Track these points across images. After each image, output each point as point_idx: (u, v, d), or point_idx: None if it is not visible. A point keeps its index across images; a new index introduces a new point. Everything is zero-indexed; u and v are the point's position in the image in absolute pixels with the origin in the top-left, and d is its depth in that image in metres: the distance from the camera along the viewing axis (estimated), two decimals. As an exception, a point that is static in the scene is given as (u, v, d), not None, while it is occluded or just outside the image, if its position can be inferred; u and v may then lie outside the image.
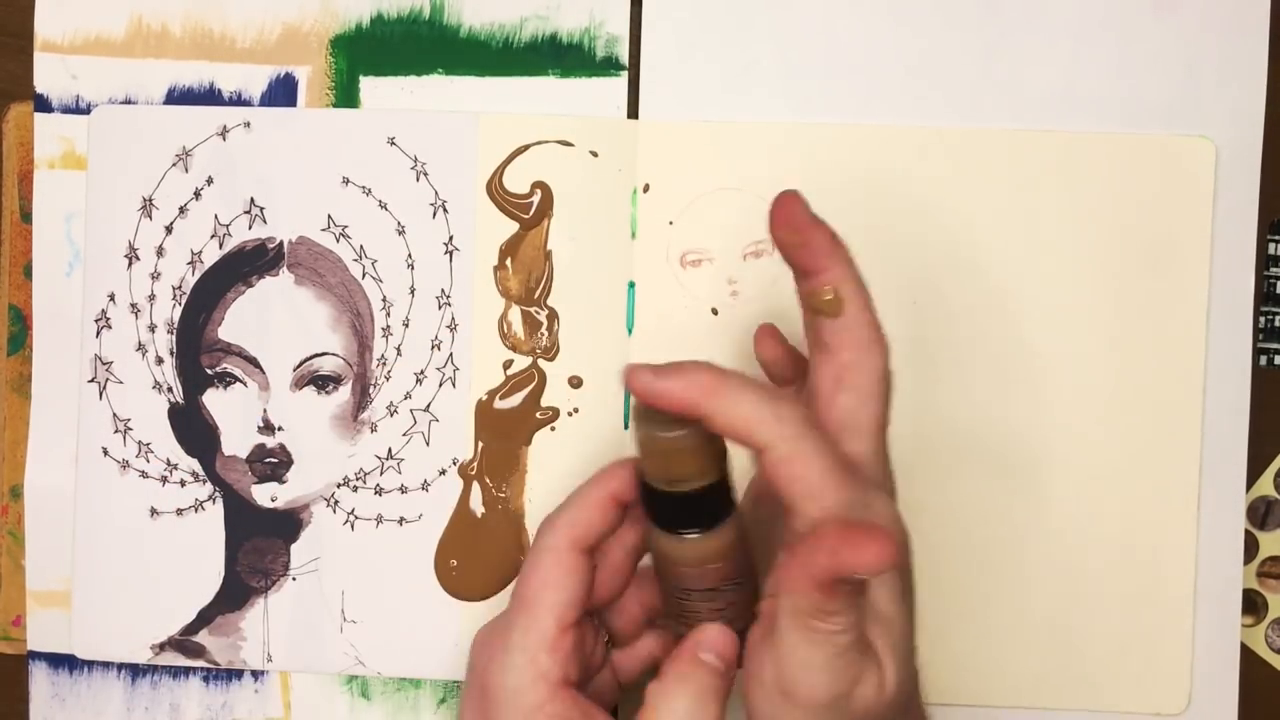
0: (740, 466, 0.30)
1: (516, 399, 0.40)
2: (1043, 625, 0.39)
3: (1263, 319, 0.40)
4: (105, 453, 0.41)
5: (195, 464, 0.40)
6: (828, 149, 0.39)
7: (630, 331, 0.40)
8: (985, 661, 0.39)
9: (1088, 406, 0.39)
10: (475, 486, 0.40)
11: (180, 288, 0.40)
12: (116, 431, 0.41)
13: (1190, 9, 0.39)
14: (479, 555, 0.40)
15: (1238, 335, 0.39)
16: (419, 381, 0.40)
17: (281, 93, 0.40)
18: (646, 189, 0.40)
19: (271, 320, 0.40)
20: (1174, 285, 0.39)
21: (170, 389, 0.41)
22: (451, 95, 0.40)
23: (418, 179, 0.40)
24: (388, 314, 0.40)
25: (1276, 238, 0.40)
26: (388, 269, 0.40)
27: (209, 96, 0.40)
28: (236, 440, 0.40)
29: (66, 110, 0.41)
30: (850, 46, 0.40)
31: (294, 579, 0.40)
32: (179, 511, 0.40)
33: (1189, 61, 0.39)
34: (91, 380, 0.41)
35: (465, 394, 0.40)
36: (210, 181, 0.40)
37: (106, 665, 0.41)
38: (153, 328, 0.41)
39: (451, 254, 0.40)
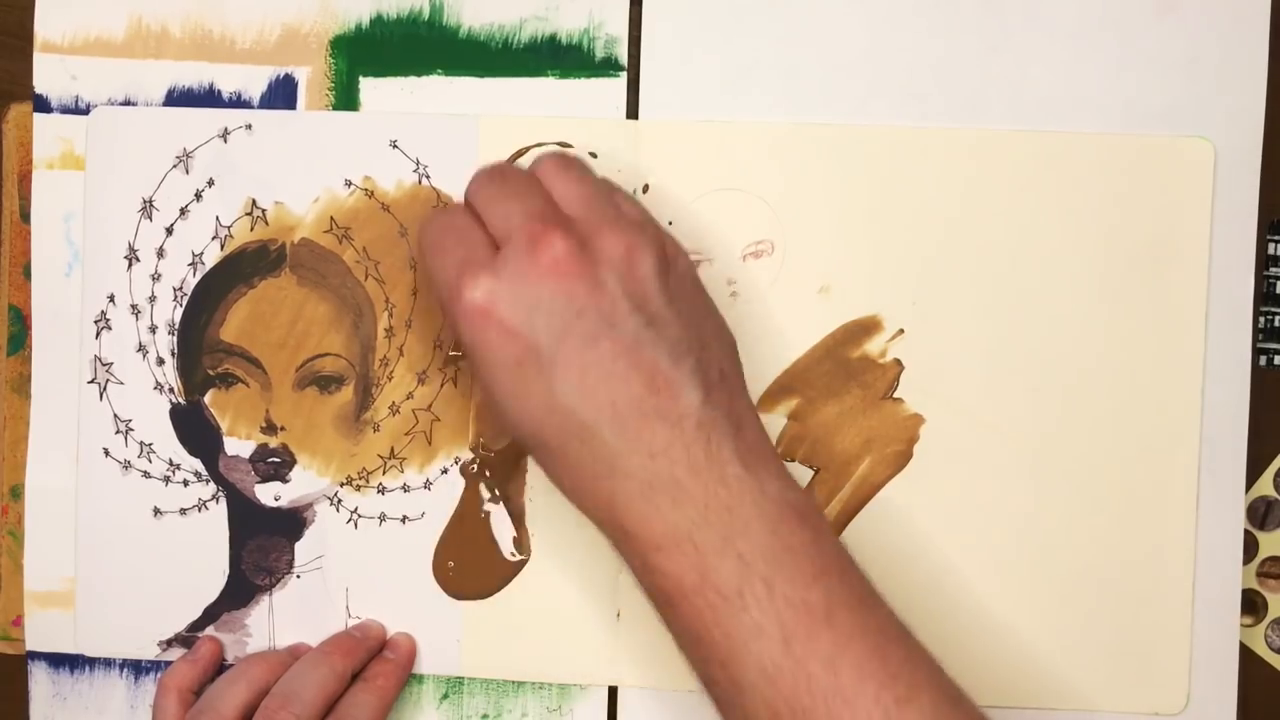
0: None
1: (516, 399, 0.43)
2: (1042, 625, 0.42)
3: (1262, 319, 0.43)
4: (106, 453, 0.44)
5: (198, 464, 0.43)
6: (828, 149, 0.42)
7: (630, 332, 0.43)
8: (984, 661, 0.42)
9: (1087, 406, 0.42)
10: (477, 486, 0.43)
11: (181, 289, 0.43)
12: (118, 432, 0.44)
13: (1190, 9, 0.42)
14: (478, 554, 0.43)
15: (1237, 335, 0.42)
16: (421, 382, 0.43)
17: (281, 93, 0.43)
18: (646, 189, 0.43)
19: (274, 321, 0.43)
20: (1173, 285, 0.42)
21: (172, 389, 0.44)
22: (451, 96, 0.43)
23: (420, 181, 0.43)
24: (390, 315, 0.43)
25: (1276, 238, 0.43)
26: (390, 271, 0.43)
27: (209, 97, 0.43)
28: (239, 440, 0.43)
29: (66, 111, 0.44)
30: (850, 46, 0.42)
31: (298, 576, 0.43)
32: (182, 511, 0.44)
33: (1189, 62, 0.42)
34: (91, 381, 0.44)
35: (467, 393, 0.43)
36: (211, 183, 0.43)
37: (109, 663, 0.44)
38: (153, 329, 0.44)
39: (452, 255, 0.43)
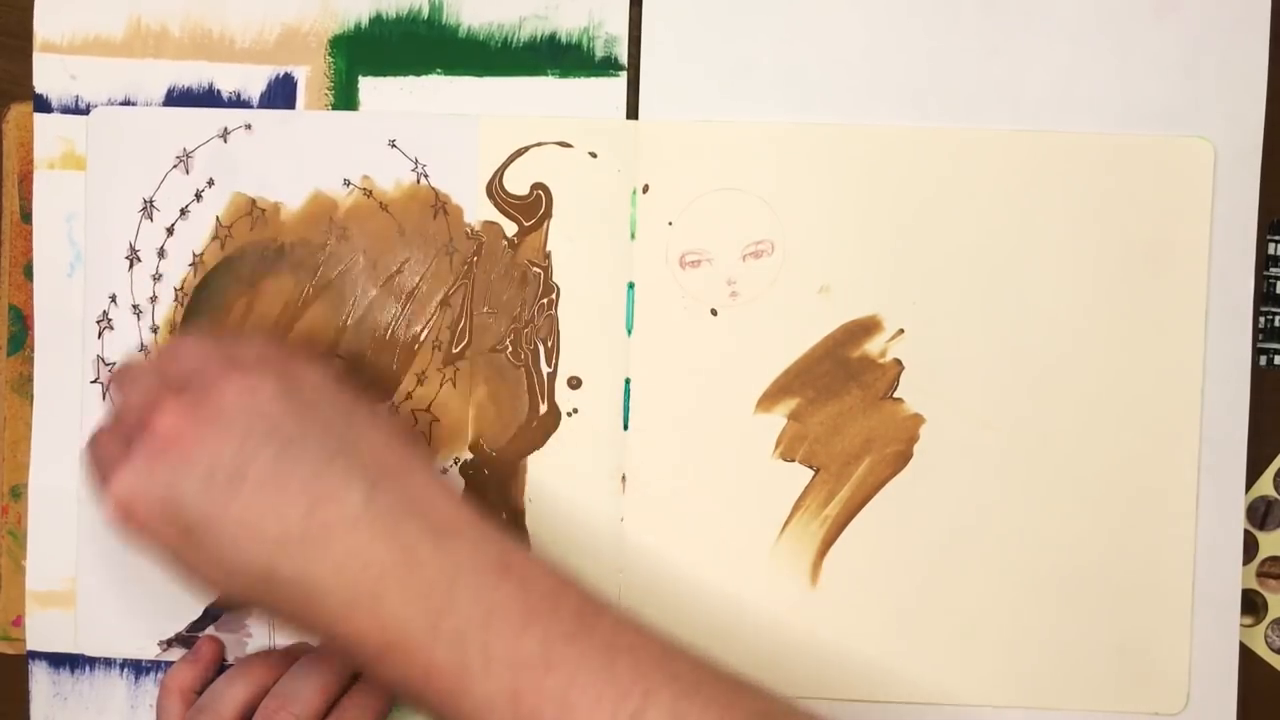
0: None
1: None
2: (1041, 624, 0.42)
3: (1262, 319, 0.43)
4: (107, 453, 0.44)
5: (198, 464, 0.44)
6: (827, 149, 0.42)
7: (630, 332, 0.43)
8: (983, 661, 0.42)
9: (1087, 406, 0.42)
10: (477, 486, 0.43)
11: (182, 289, 0.44)
12: (119, 432, 0.44)
13: (1190, 9, 0.42)
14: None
15: (1237, 335, 0.42)
16: (420, 382, 0.43)
17: (280, 93, 0.44)
18: (646, 189, 0.43)
19: (274, 321, 0.43)
20: (1173, 285, 0.42)
21: (172, 389, 0.44)
22: (450, 95, 0.43)
23: (419, 181, 0.43)
24: (389, 315, 0.43)
25: (1276, 238, 0.43)
26: (389, 271, 0.43)
27: (208, 97, 0.44)
28: (239, 440, 0.44)
29: (66, 111, 0.44)
30: (850, 46, 0.43)
31: (299, 577, 0.44)
32: (183, 511, 0.44)
33: (1189, 62, 0.42)
34: (94, 381, 0.44)
35: (466, 394, 0.43)
36: (211, 183, 0.43)
37: (109, 663, 0.44)
38: (155, 329, 0.44)
39: (451, 256, 0.43)
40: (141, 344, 0.44)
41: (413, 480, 0.34)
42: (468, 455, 0.43)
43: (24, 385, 0.45)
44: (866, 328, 0.43)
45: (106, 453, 0.35)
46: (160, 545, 0.33)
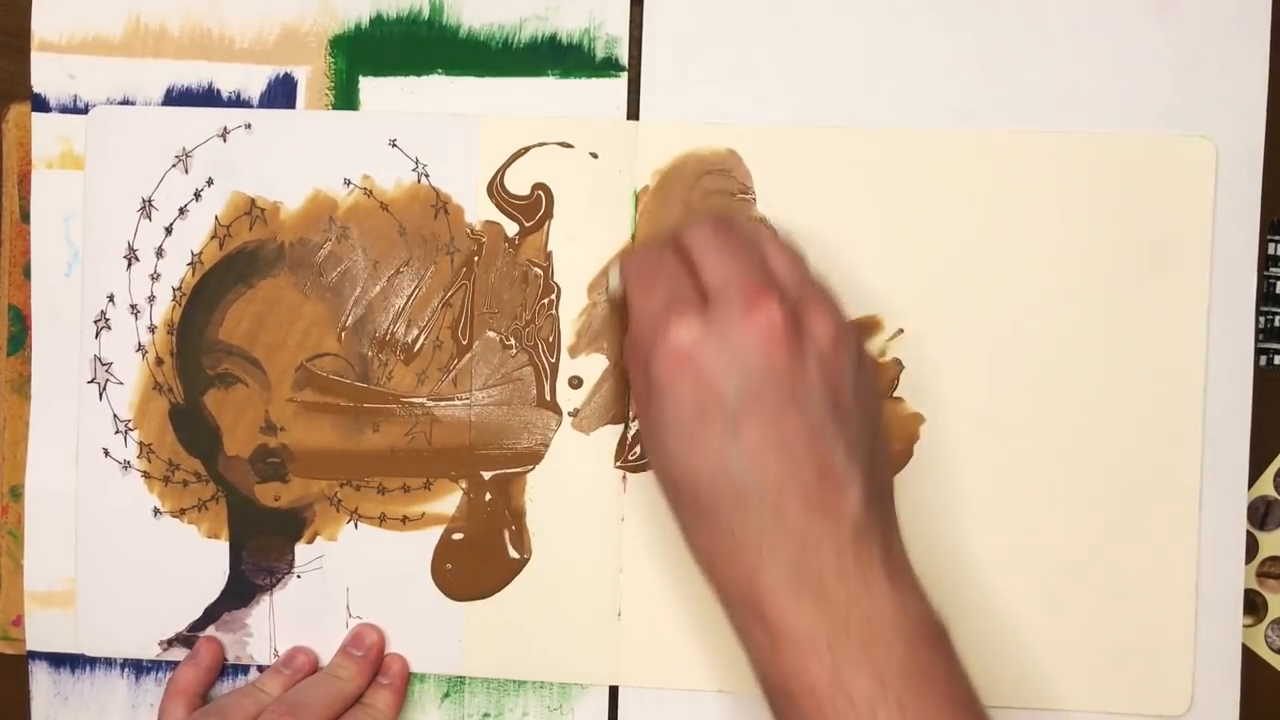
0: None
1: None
2: (1043, 625, 0.42)
3: (1263, 319, 0.43)
4: (106, 453, 0.44)
5: (198, 464, 0.44)
6: (827, 150, 0.42)
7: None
8: (986, 662, 0.42)
9: (1088, 407, 0.42)
10: (477, 485, 0.44)
11: (180, 289, 0.44)
12: (117, 433, 0.44)
13: (1190, 9, 0.42)
14: (478, 555, 0.43)
15: (1238, 335, 0.42)
16: (420, 381, 0.43)
17: (280, 93, 0.44)
18: (646, 189, 0.43)
19: (273, 321, 0.44)
20: (1174, 285, 0.42)
21: (171, 390, 0.44)
22: (451, 96, 0.43)
23: (419, 180, 0.43)
24: (389, 315, 0.44)
25: (1276, 238, 0.43)
26: (389, 270, 0.43)
27: (207, 96, 0.44)
28: (239, 440, 0.44)
29: (64, 110, 0.44)
30: (850, 47, 0.43)
31: (299, 576, 0.44)
32: (182, 511, 0.44)
33: (1189, 61, 0.42)
34: (91, 381, 0.44)
35: (466, 394, 0.43)
36: (210, 183, 0.44)
37: (110, 662, 0.45)
38: (153, 329, 0.44)
39: (453, 255, 0.43)
40: (139, 344, 0.44)
41: (889, 514, 0.34)
42: (468, 455, 0.43)
43: (24, 385, 0.45)
44: (866, 328, 0.43)
45: (674, 283, 0.35)
46: (684, 401, 0.33)
